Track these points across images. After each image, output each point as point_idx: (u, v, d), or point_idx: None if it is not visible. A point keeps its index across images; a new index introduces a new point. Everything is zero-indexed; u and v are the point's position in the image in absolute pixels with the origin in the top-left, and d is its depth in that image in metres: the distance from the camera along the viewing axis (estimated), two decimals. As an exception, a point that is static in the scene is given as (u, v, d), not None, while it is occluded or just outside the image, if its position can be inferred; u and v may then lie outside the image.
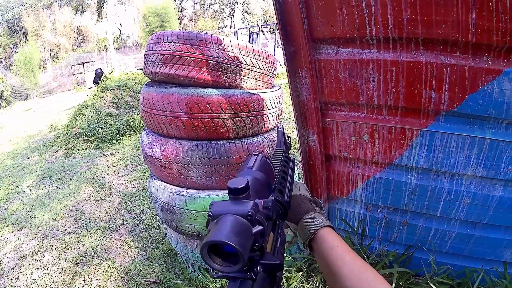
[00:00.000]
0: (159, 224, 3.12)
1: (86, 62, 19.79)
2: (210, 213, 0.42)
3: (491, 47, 0.97)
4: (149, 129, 1.73)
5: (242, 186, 0.44)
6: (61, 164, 5.40)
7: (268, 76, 1.66)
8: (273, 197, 0.49)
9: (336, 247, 0.60)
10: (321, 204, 0.75)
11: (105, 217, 3.45)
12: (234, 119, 1.45)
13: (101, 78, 8.52)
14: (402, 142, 1.20)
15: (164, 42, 1.48)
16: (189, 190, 1.54)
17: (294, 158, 0.80)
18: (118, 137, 5.96)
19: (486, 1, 0.91)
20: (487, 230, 1.21)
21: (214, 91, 1.41)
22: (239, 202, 0.43)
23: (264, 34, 14.29)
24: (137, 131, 6.15)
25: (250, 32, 13.67)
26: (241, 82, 1.49)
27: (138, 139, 5.77)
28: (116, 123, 6.10)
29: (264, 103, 1.55)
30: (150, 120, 1.58)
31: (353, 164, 1.43)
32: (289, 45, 1.28)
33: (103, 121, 6.09)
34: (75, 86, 18.46)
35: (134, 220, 3.29)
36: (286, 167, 0.74)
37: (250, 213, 0.40)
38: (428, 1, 0.99)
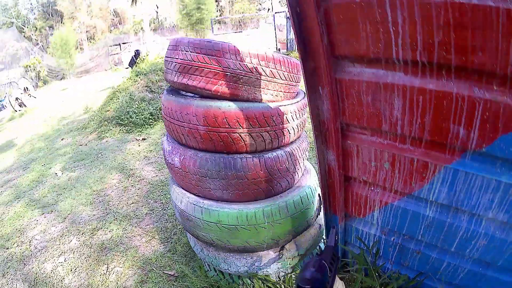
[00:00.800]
0: None
1: (123, 43, 20.29)
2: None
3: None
4: (169, 135, 1.75)
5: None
6: (93, 147, 5.53)
7: (291, 86, 1.61)
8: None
9: None
10: None
11: (132, 205, 3.52)
12: (252, 134, 1.42)
13: (137, 61, 8.60)
14: (424, 175, 1.13)
15: (182, 51, 1.47)
16: (205, 201, 1.56)
17: (339, 257, 0.91)
18: (151, 122, 5.94)
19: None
20: (500, 272, 1.13)
21: (232, 104, 1.38)
22: None
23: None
24: (170, 116, 6.12)
25: (288, 16, 13.38)
26: (261, 95, 1.45)
27: (171, 125, 5.84)
28: (150, 107, 6.09)
29: (284, 117, 1.50)
30: (170, 129, 1.60)
31: (372, 188, 1.37)
32: (309, 60, 1.22)
33: (136, 106, 6.11)
34: (112, 66, 19.03)
35: (160, 209, 3.34)
36: (333, 265, 0.82)
37: None
38: (464, 23, 0.89)
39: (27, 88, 11.18)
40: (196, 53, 1.41)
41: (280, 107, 1.49)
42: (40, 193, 4.26)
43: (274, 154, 1.54)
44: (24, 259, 2.98)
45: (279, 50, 14.57)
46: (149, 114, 5.97)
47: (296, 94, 1.71)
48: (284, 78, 1.53)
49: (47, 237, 3.23)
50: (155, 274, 2.51)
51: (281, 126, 1.50)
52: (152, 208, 3.38)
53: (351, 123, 1.25)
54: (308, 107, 1.30)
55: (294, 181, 1.71)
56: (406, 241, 1.37)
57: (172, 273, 2.48)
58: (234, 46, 1.40)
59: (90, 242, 3.05)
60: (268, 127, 1.46)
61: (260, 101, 1.49)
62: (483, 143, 0.96)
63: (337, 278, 0.88)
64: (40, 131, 7.77)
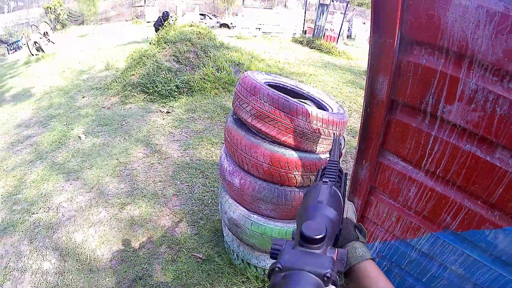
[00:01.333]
0: (209, 202, 3.36)
1: None
2: (279, 266, 0.39)
3: None
4: (230, 157, 2.13)
5: (320, 236, 0.42)
6: (116, 112, 5.51)
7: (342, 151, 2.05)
8: (346, 249, 0.52)
9: (379, 283, 0.60)
10: (365, 233, 0.74)
11: (159, 183, 3.67)
12: (304, 176, 1.88)
13: (164, 24, 8.37)
14: (416, 232, 1.67)
15: (260, 100, 1.82)
16: (255, 216, 2.03)
17: (346, 173, 0.78)
18: (176, 94, 5.95)
19: None
20: None
21: (294, 153, 1.83)
22: (313, 255, 0.40)
23: (334, 3, 14.13)
24: (195, 91, 6.08)
25: (320, 3, 13.44)
26: (316, 148, 1.89)
27: (195, 101, 5.84)
28: (176, 79, 6.06)
29: None
30: (234, 154, 2.00)
31: (378, 228, 1.90)
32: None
33: (163, 75, 6.06)
34: (134, 17, 18.73)
35: (187, 192, 3.51)
36: (340, 183, 0.70)
37: (328, 274, 0.38)
38: (471, 169, 1.39)
39: (46, 32, 11.07)
40: (274, 107, 1.77)
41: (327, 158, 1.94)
42: (64, 156, 4.24)
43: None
44: (52, 226, 3.01)
45: (305, 32, 14.65)
46: (175, 87, 5.96)
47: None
48: (342, 153, 1.93)
49: (75, 206, 3.30)
50: (184, 254, 2.69)
51: (325, 171, 1.97)
52: (178, 189, 3.55)
53: (377, 187, 1.76)
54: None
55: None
56: (393, 266, 1.93)
57: (200, 256, 2.67)
58: (307, 109, 1.76)
59: (119, 217, 3.14)
60: (316, 172, 1.90)
61: (315, 152, 1.92)
62: (459, 229, 1.48)
63: (346, 200, 0.78)
64: (58, 83, 7.61)
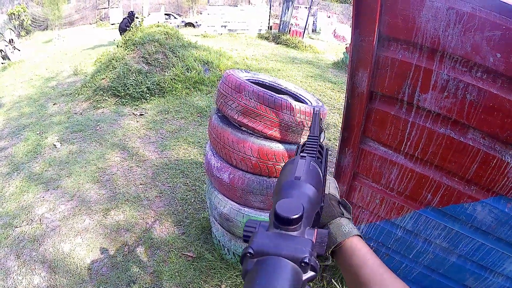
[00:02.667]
0: (192, 200, 3.37)
1: None
2: (250, 251, 0.35)
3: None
4: (216, 153, 2.18)
5: (296, 216, 0.38)
6: (89, 118, 5.40)
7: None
8: (328, 228, 0.47)
9: (368, 261, 0.57)
10: (350, 208, 0.70)
11: (140, 186, 3.62)
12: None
13: (131, 25, 8.19)
14: (400, 212, 1.81)
15: (245, 96, 1.88)
16: (246, 209, 2.09)
17: (327, 148, 0.73)
18: (148, 96, 5.90)
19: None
20: (440, 276, 1.86)
21: (280, 146, 1.90)
22: (289, 238, 0.36)
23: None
24: (167, 92, 6.05)
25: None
26: (300, 139, 1.97)
27: (168, 102, 5.81)
28: (147, 81, 6.01)
29: None
30: (221, 151, 2.05)
31: (363, 211, 2.02)
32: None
33: (133, 78, 6.00)
34: (98, 20, 18.26)
35: (169, 193, 3.50)
36: (320, 159, 0.65)
37: (306, 259, 0.34)
38: (446, 149, 1.52)
39: (12, 40, 10.57)
40: (259, 103, 1.84)
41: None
42: (41, 166, 4.12)
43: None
44: (37, 238, 2.90)
45: (271, 28, 14.74)
46: (146, 88, 5.93)
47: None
48: (322, 128, 2.02)
49: (58, 216, 3.18)
50: (174, 254, 2.67)
51: (310, 160, 2.06)
52: (161, 190, 3.53)
53: (360, 173, 1.87)
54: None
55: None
56: (380, 246, 2.06)
57: (191, 254, 2.67)
58: (290, 104, 1.84)
59: (104, 223, 3.06)
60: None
61: (298, 143, 1.95)
62: (440, 205, 1.62)
63: (328, 176, 0.75)
64: (27, 91, 7.38)
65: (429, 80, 1.49)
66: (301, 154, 0.57)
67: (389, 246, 2.01)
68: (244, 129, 2.00)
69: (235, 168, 2.05)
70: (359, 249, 0.60)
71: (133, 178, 3.81)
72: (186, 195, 3.49)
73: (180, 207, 3.30)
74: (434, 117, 1.53)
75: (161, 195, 3.50)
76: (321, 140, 2.09)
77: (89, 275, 2.56)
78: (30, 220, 3.16)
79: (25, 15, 15.81)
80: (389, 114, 1.62)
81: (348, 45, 9.94)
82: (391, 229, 1.94)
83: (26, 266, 2.64)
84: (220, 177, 2.10)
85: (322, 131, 0.88)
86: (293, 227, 0.38)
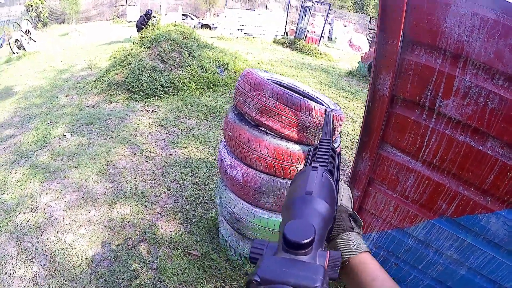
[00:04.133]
0: (201, 199, 3.33)
1: None
2: (256, 278, 0.32)
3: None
4: (230, 151, 2.17)
5: (308, 241, 0.35)
6: (101, 111, 5.39)
7: (335, 134, 2.09)
8: (340, 252, 0.42)
9: (377, 278, 0.55)
10: (361, 223, 0.68)
11: (149, 182, 3.59)
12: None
13: (147, 23, 8.24)
14: (413, 221, 1.79)
15: (265, 94, 1.87)
16: (257, 209, 2.07)
17: (340, 152, 0.71)
18: (161, 94, 5.91)
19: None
20: None
21: (297, 147, 1.89)
22: (299, 264, 0.33)
23: (315, 6, 14.47)
24: (181, 91, 6.05)
25: (303, 5, 13.70)
26: (317, 141, 1.96)
27: (181, 100, 5.82)
28: (161, 79, 6.02)
29: None
30: (236, 149, 2.04)
31: (375, 218, 2.00)
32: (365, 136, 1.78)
33: (148, 74, 6.01)
34: (115, 17, 18.51)
35: (177, 190, 3.46)
36: (333, 164, 0.63)
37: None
38: (464, 157, 1.50)
39: (28, 30, 10.72)
40: (279, 102, 1.83)
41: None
42: (49, 155, 4.10)
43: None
44: (40, 226, 2.88)
45: (287, 34, 14.93)
46: (160, 86, 5.93)
47: (334, 140, 2.20)
48: (335, 130, 2.00)
49: (63, 206, 3.16)
50: (179, 252, 2.63)
51: (326, 163, 2.04)
52: (169, 188, 3.50)
53: (376, 179, 1.85)
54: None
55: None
56: (389, 255, 2.03)
57: (196, 253, 2.64)
58: (310, 104, 1.82)
59: (110, 216, 3.03)
60: (317, 165, 1.98)
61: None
62: (455, 215, 1.59)
63: (341, 184, 0.72)
64: (40, 82, 7.39)
65: (451, 86, 1.48)
66: (313, 164, 0.53)
67: (399, 255, 1.98)
68: (261, 128, 1.99)
69: (249, 167, 2.03)
70: (368, 266, 0.58)
71: (142, 173, 3.79)
72: (195, 194, 3.46)
73: (188, 205, 3.27)
74: (454, 124, 1.52)
75: (169, 192, 3.47)
76: (336, 145, 2.11)
77: (89, 267, 2.54)
78: (34, 208, 3.14)
79: (42, 7, 16.08)
80: (409, 119, 1.61)
81: (363, 55, 9.94)
82: (402, 238, 1.92)
83: (26, 253, 2.62)
84: (233, 175, 2.09)
85: (334, 133, 0.81)
86: (303, 251, 0.35)
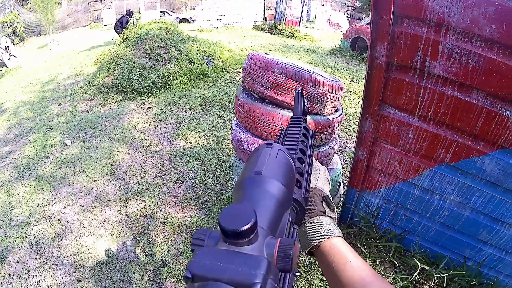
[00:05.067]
0: (212, 184, 3.44)
1: None
2: (187, 274, 0.28)
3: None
4: (245, 128, 2.35)
5: (245, 228, 0.29)
6: (97, 115, 5.38)
7: (337, 103, 2.30)
8: (294, 239, 0.34)
9: (349, 262, 0.54)
10: (334, 206, 0.64)
11: (158, 175, 3.65)
12: (316, 136, 2.16)
13: (129, 23, 8.15)
14: (417, 171, 2.04)
15: (274, 72, 2.07)
16: None
17: (313, 130, 0.66)
18: (154, 90, 5.96)
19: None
20: (456, 233, 2.10)
21: (308, 116, 2.09)
22: (238, 256, 0.28)
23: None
24: (172, 85, 6.14)
25: None
26: (324, 110, 2.17)
27: (174, 94, 5.91)
28: (152, 76, 6.07)
29: (335, 125, 2.25)
30: (252, 126, 2.23)
31: (383, 174, 2.24)
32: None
33: (138, 73, 6.06)
34: (91, 22, 18.21)
35: (188, 179, 3.55)
36: (305, 143, 0.59)
37: (258, 286, 0.26)
38: (455, 108, 1.74)
39: (8, 47, 10.47)
40: (287, 77, 2.03)
41: (334, 119, 2.24)
42: (53, 164, 4.08)
43: (325, 148, 2.29)
44: (58, 234, 2.87)
45: (266, 19, 15.06)
46: (151, 82, 5.99)
47: (337, 109, 2.42)
48: (337, 99, 2.22)
49: (77, 210, 3.15)
50: None
51: (332, 130, 2.25)
52: (179, 177, 3.58)
53: (380, 137, 2.09)
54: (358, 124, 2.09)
55: (332, 165, 2.51)
56: (399, 208, 2.27)
57: None
58: (315, 77, 2.03)
59: (126, 212, 3.06)
60: (326, 132, 2.19)
61: (323, 114, 2.20)
62: (453, 161, 1.85)
63: (318, 165, 0.70)
64: (29, 95, 7.32)
65: (437, 50, 1.73)
66: (267, 142, 0.46)
67: (408, 206, 2.23)
68: (273, 103, 2.17)
69: (264, 140, 2.18)
70: (340, 250, 0.56)
71: (150, 167, 3.85)
72: (205, 180, 3.56)
73: (200, 191, 3.36)
74: (443, 81, 1.77)
75: (180, 181, 3.55)
76: (338, 114, 2.32)
77: (115, 264, 2.57)
78: (48, 217, 3.12)
79: (17, 22, 15.66)
80: (404, 81, 1.85)
81: (344, 32, 10.17)
82: (409, 190, 2.17)
83: (48, 263, 2.60)
84: (250, 150, 2.25)
85: (307, 112, 0.73)
86: (244, 240, 0.30)
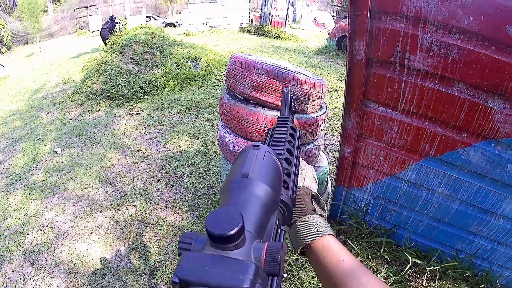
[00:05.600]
0: (201, 187, 3.44)
1: (90, 6, 19.23)
2: (174, 279, 0.27)
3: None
4: (230, 129, 2.34)
5: (232, 232, 0.29)
6: (86, 122, 5.37)
7: (321, 101, 2.31)
8: (282, 242, 0.33)
9: (341, 261, 0.53)
10: (324, 204, 0.64)
11: (148, 179, 3.64)
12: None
13: (114, 29, 8.19)
14: (403, 165, 2.04)
15: (256, 73, 2.07)
16: None
17: (300, 129, 0.66)
18: (142, 95, 5.96)
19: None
20: (446, 226, 2.09)
21: None
22: (224, 261, 0.28)
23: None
24: (160, 90, 6.15)
25: None
26: (307, 108, 2.17)
27: (162, 99, 5.90)
28: (139, 81, 6.06)
29: (319, 122, 2.25)
30: (236, 126, 2.22)
31: (369, 170, 2.24)
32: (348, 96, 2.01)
33: (125, 79, 6.04)
34: (77, 29, 18.16)
35: (178, 182, 3.55)
36: (292, 143, 0.58)
37: None
38: (437, 101, 1.74)
39: None
40: (269, 77, 2.03)
41: (317, 117, 2.23)
42: (43, 173, 4.08)
43: (310, 146, 2.29)
44: (51, 242, 2.88)
45: (252, 21, 15.04)
46: (139, 88, 5.99)
47: (321, 107, 2.42)
48: (320, 98, 2.23)
49: (69, 217, 3.15)
50: None
51: (316, 128, 2.24)
52: (169, 181, 3.58)
53: (364, 133, 2.08)
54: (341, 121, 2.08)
55: (318, 163, 2.51)
56: (387, 203, 2.27)
57: None
58: (297, 76, 2.04)
59: (118, 218, 3.06)
60: (310, 130, 2.19)
61: (306, 112, 2.19)
62: (438, 154, 1.84)
63: (304, 164, 0.70)
64: (17, 104, 7.28)
65: (416, 44, 1.72)
66: (254, 143, 0.46)
67: (396, 201, 2.23)
68: (257, 103, 2.18)
69: (250, 140, 2.19)
70: (332, 249, 0.56)
71: (140, 173, 3.85)
72: (195, 183, 3.57)
73: (191, 194, 3.36)
74: (423, 74, 1.77)
75: (169, 185, 3.55)
76: (322, 112, 2.33)
77: (109, 269, 2.57)
78: (41, 226, 3.13)
79: (4, 31, 15.56)
80: (385, 76, 1.85)
81: (330, 31, 10.19)
82: (396, 184, 2.16)
83: (43, 271, 2.61)
84: (236, 151, 2.26)
85: (294, 112, 0.73)
86: (232, 245, 0.29)
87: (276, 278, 0.32)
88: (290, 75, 2.02)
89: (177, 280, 0.27)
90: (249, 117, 2.11)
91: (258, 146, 0.44)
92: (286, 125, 0.61)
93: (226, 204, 0.37)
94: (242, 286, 0.26)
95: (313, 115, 2.20)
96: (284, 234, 0.43)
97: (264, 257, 0.31)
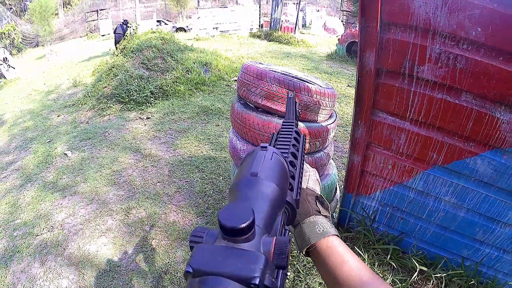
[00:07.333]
0: (211, 192, 3.47)
1: (101, 10, 19.50)
2: (188, 269, 0.29)
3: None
4: (241, 137, 2.39)
5: (244, 226, 0.30)
6: (96, 125, 5.45)
7: (331, 110, 2.34)
8: (288, 237, 0.36)
9: (346, 261, 0.54)
10: (327, 205, 0.65)
11: (158, 184, 3.68)
12: (311, 142, 2.19)
13: (126, 33, 8.27)
14: (411, 174, 2.07)
15: (267, 82, 2.11)
16: None
17: (304, 135, 0.68)
18: (152, 100, 6.04)
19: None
20: (453, 233, 2.11)
21: (301, 124, 2.12)
22: (237, 253, 0.30)
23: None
24: (170, 95, 6.23)
25: None
26: (317, 117, 2.21)
27: (172, 104, 5.97)
28: (149, 86, 6.15)
29: (329, 131, 2.29)
30: (248, 135, 2.27)
31: (377, 178, 2.27)
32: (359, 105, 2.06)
33: (136, 83, 6.14)
34: (88, 33, 18.43)
35: (187, 187, 3.58)
36: (297, 147, 0.60)
37: (255, 281, 0.27)
38: (444, 113, 1.78)
39: (6, 58, 10.55)
40: (280, 86, 2.08)
41: (327, 125, 2.27)
42: (54, 175, 4.13)
43: (319, 154, 2.33)
44: (61, 243, 2.90)
45: (262, 26, 15.16)
46: (149, 93, 6.07)
47: (331, 115, 2.46)
48: (330, 107, 2.27)
49: (79, 220, 3.19)
50: None
51: (326, 137, 2.29)
52: (179, 186, 3.62)
53: (373, 142, 2.13)
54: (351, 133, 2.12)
55: (327, 170, 2.55)
56: (395, 211, 2.30)
57: None
58: (308, 86, 2.08)
59: (127, 221, 3.09)
60: (320, 138, 2.23)
61: (317, 121, 2.24)
62: (445, 163, 1.88)
63: (307, 166, 0.71)
64: (28, 106, 7.37)
65: (424, 55, 1.76)
66: (261, 145, 0.48)
67: (404, 209, 2.26)
68: (268, 112, 2.21)
69: None
70: (337, 249, 0.56)
71: (150, 177, 3.89)
72: (204, 188, 3.60)
73: (200, 199, 3.38)
74: (431, 85, 1.81)
75: (180, 190, 3.59)
76: (332, 120, 2.36)
77: (118, 272, 2.60)
78: (51, 227, 3.15)
79: (15, 34, 15.84)
80: (394, 86, 1.89)
81: (340, 37, 10.22)
82: (404, 192, 2.20)
83: (52, 272, 2.63)
84: (248, 158, 2.30)
85: (299, 117, 0.76)
86: (243, 238, 0.31)
87: (281, 272, 0.33)
88: (301, 84, 2.07)
89: (190, 270, 0.28)
90: (260, 126, 2.16)
91: (265, 147, 0.47)
92: (291, 130, 0.63)
93: (236, 200, 0.39)
94: (253, 275, 0.27)
95: (323, 124, 2.24)
96: (288, 233, 0.45)
97: (273, 250, 0.32)
